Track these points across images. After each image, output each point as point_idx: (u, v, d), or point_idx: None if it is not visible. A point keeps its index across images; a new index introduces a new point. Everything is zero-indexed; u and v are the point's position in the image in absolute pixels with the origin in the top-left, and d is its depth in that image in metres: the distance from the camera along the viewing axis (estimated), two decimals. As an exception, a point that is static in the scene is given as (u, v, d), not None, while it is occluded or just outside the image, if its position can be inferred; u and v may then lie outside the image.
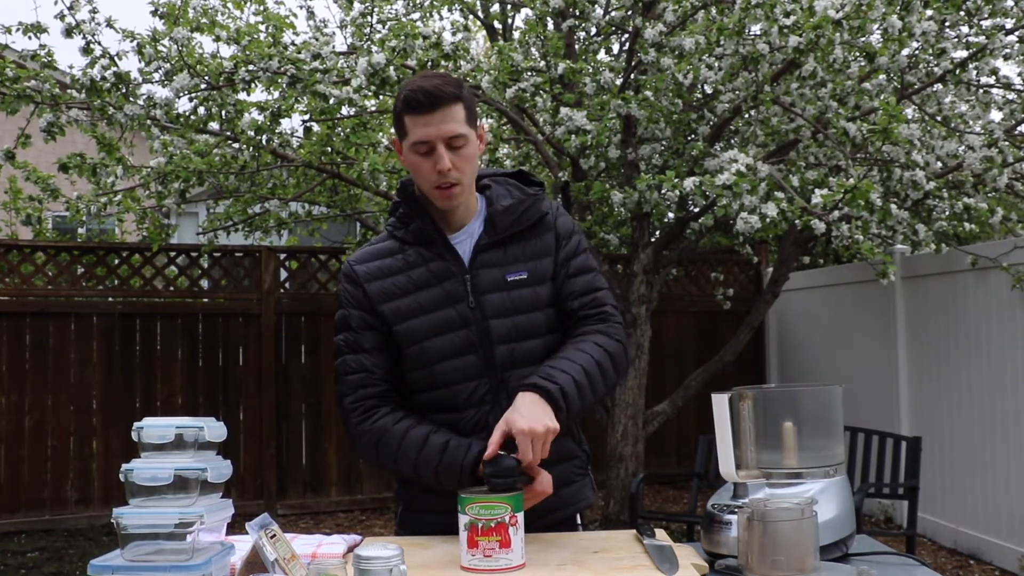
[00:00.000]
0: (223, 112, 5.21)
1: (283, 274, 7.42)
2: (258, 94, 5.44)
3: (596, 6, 5.60)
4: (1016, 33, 5.21)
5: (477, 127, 1.94)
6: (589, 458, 2.14)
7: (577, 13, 5.54)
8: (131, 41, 5.02)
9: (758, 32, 4.75)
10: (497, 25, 6.87)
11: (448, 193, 1.89)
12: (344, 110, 5.20)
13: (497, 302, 1.92)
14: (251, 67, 4.90)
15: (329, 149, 5.70)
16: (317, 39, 5.59)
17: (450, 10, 6.50)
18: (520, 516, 1.65)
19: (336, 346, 2.00)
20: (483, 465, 1.75)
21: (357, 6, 6.20)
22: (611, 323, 1.98)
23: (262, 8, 5.90)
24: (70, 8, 4.89)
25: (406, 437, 1.89)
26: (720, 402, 1.67)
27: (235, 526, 1.63)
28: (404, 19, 6.05)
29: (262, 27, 5.55)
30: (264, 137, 5.31)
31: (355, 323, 1.96)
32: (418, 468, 1.89)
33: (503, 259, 1.95)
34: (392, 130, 2.00)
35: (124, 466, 1.49)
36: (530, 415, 1.74)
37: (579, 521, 2.10)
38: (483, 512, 1.63)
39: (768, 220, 4.40)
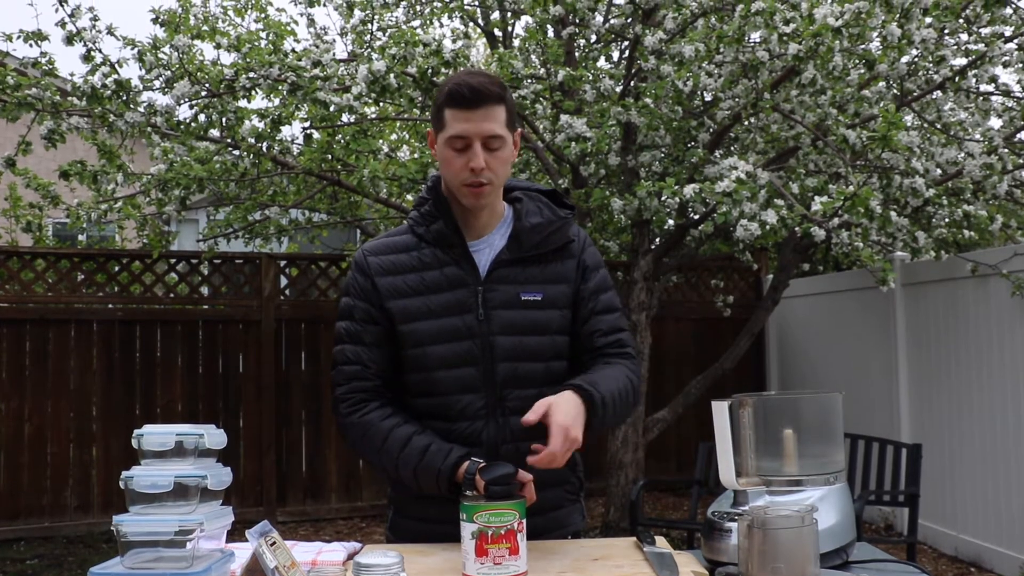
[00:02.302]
0: (223, 119, 5.22)
1: (283, 281, 7.42)
2: (259, 101, 5.46)
3: (596, 14, 5.61)
4: (1015, 41, 5.23)
5: (515, 132, 1.92)
6: (582, 484, 2.11)
7: (577, 20, 5.56)
8: (132, 48, 5.03)
9: (758, 39, 4.76)
10: (497, 32, 6.88)
11: (478, 192, 1.87)
12: (344, 117, 5.21)
13: (507, 319, 1.90)
14: (252, 74, 4.91)
15: (329, 156, 5.71)
16: (317, 46, 5.60)
17: (450, 17, 6.52)
18: (524, 522, 1.65)
19: (336, 332, 1.98)
20: (480, 473, 1.74)
21: (357, 13, 6.21)
22: (633, 361, 1.99)
23: (263, 16, 5.91)
24: (71, 16, 4.90)
25: (391, 435, 1.88)
26: (720, 409, 1.67)
27: (235, 533, 1.63)
28: (404, 26, 6.06)
29: (263, 34, 5.57)
30: (264, 144, 5.32)
31: (358, 315, 1.94)
32: (398, 467, 1.88)
33: (520, 276, 1.92)
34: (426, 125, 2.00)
35: (124, 473, 1.50)
36: (575, 417, 1.73)
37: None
38: (493, 520, 1.62)
39: (768, 227, 4.40)
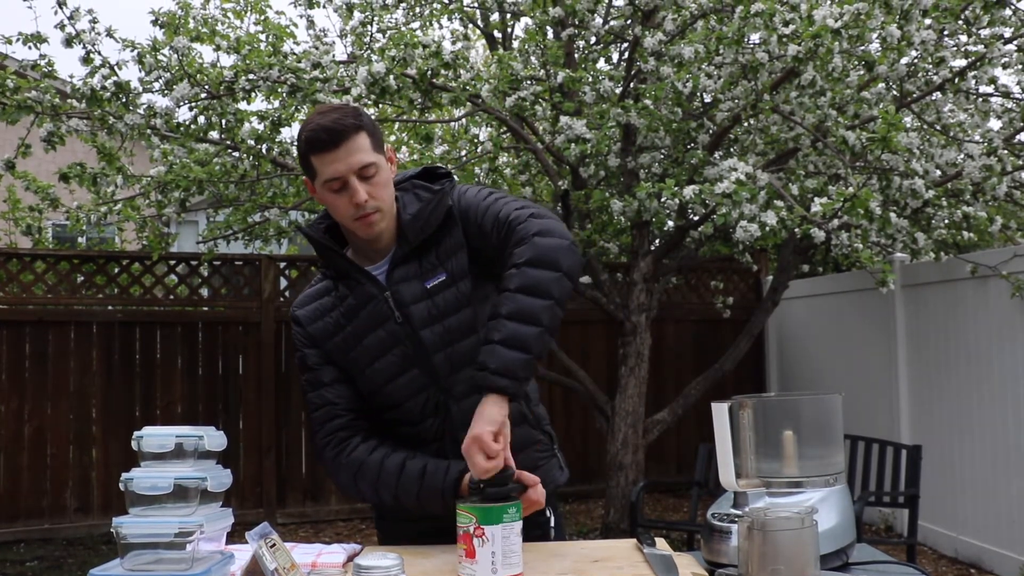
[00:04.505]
0: (223, 121, 5.22)
1: (283, 283, 7.42)
2: (258, 103, 5.44)
3: (595, 15, 5.61)
4: (1015, 42, 5.22)
5: (385, 150, 1.91)
6: (553, 438, 2.11)
7: (577, 22, 5.55)
8: (131, 50, 5.03)
9: (757, 41, 4.76)
10: (497, 34, 6.88)
11: (369, 220, 1.87)
12: (344, 119, 5.19)
13: (423, 311, 1.91)
14: (251, 76, 4.91)
15: (329, 158, 5.69)
16: (317, 48, 5.59)
17: (450, 19, 6.51)
18: (491, 529, 1.63)
19: (302, 387, 2.03)
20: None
21: (357, 15, 6.21)
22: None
23: (262, 17, 5.91)
24: (70, 18, 4.90)
25: (383, 467, 1.90)
26: (720, 411, 1.66)
27: (235, 535, 1.63)
28: (404, 28, 6.06)
29: (262, 36, 5.56)
30: (264, 146, 5.32)
31: (311, 361, 1.99)
32: (399, 496, 1.90)
33: (419, 269, 1.92)
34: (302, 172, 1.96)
35: (124, 475, 1.50)
36: (471, 428, 1.72)
37: (550, 520, 2.06)
38: (457, 520, 1.65)
39: (768, 228, 4.40)
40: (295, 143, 5.42)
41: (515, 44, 6.69)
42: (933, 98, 5.63)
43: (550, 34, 5.93)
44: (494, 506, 1.65)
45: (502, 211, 1.89)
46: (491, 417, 1.71)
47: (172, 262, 7.20)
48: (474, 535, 1.63)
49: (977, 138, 5.51)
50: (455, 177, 2.03)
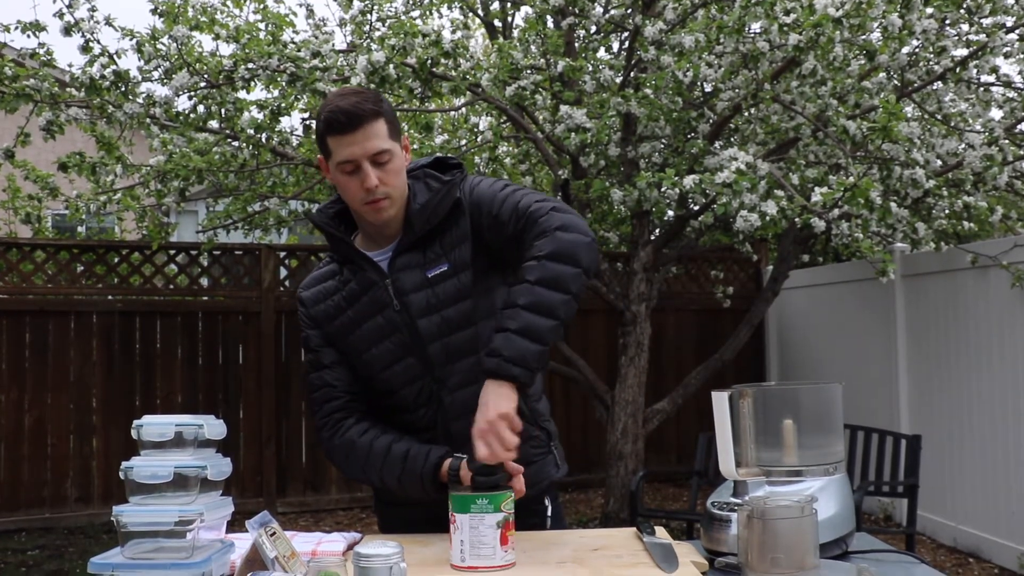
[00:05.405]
0: (223, 110, 5.20)
1: (283, 272, 7.42)
2: (258, 92, 5.42)
3: (596, 4, 5.60)
4: (1016, 31, 5.21)
5: (401, 139, 1.93)
6: (551, 435, 2.10)
7: (577, 11, 5.54)
8: (130, 39, 5.02)
9: (758, 30, 4.74)
10: (497, 23, 6.86)
11: (378, 206, 1.89)
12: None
13: (422, 300, 1.92)
14: (251, 65, 4.89)
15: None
16: (316, 37, 5.58)
17: (450, 8, 6.49)
18: (460, 518, 1.66)
19: (305, 367, 2.08)
20: (467, 464, 1.75)
21: (356, 4, 6.19)
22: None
23: (261, 6, 5.89)
24: (69, 6, 4.89)
25: (372, 448, 1.93)
26: (720, 400, 1.66)
27: (235, 524, 1.63)
28: (404, 17, 6.04)
29: (261, 25, 5.54)
30: (264, 135, 5.31)
31: (313, 343, 2.02)
32: (384, 478, 1.93)
33: (422, 258, 1.93)
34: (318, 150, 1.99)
35: (124, 464, 1.50)
36: (481, 414, 1.73)
37: (547, 509, 2.07)
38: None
39: (768, 218, 4.39)
40: (302, 128, 5.44)
41: (515, 33, 6.67)
42: (934, 87, 5.61)
43: (550, 23, 5.91)
44: (463, 495, 1.68)
45: (521, 202, 1.89)
46: (509, 397, 1.73)
47: (172, 252, 7.19)
48: (450, 521, 1.67)
49: (978, 128, 5.49)
50: (465, 168, 2.03)
